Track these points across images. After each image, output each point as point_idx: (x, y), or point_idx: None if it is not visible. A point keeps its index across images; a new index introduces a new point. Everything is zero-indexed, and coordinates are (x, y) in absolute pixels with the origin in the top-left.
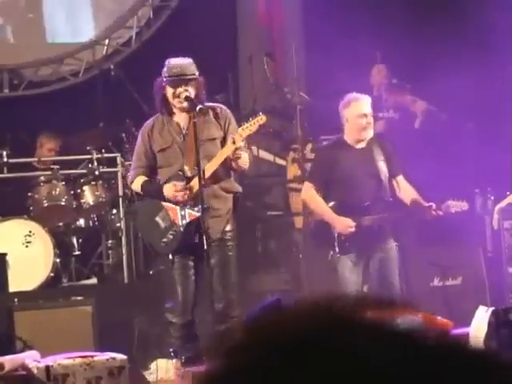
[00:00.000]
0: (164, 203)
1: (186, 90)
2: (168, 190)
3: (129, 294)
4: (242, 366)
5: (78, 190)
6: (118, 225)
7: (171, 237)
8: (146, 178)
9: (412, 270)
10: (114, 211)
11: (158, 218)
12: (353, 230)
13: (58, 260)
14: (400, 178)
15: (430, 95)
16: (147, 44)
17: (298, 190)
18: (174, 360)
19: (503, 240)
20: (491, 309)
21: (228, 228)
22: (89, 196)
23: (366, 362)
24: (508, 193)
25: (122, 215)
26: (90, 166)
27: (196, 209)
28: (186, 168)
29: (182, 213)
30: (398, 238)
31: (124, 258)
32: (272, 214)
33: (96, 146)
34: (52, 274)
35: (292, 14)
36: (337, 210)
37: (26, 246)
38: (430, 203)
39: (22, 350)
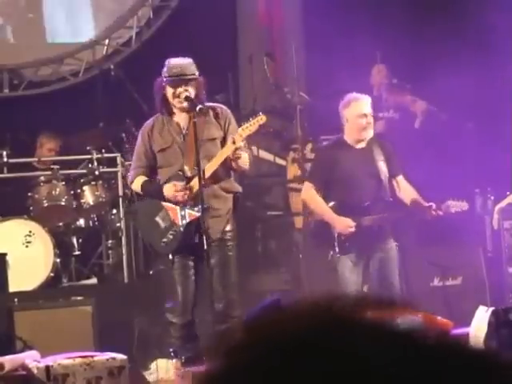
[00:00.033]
0: (164, 203)
1: (186, 90)
2: (168, 189)
3: (129, 293)
4: (241, 366)
5: (78, 190)
6: (118, 225)
7: (171, 237)
8: (146, 178)
9: (412, 270)
10: (114, 211)
11: (158, 218)
12: (353, 230)
13: (58, 260)
14: (400, 177)
15: (430, 95)
16: (147, 44)
17: (298, 190)
18: (174, 360)
19: (503, 240)
20: (491, 309)
21: (228, 228)
22: (89, 196)
23: (366, 362)
24: (508, 193)
25: (121, 215)
26: (89, 166)
27: (196, 209)
28: (185, 168)
29: (182, 213)
30: (397, 237)
31: (124, 257)
32: (272, 214)
33: (96, 145)
34: (52, 274)
35: (292, 13)
36: (337, 210)
37: (26, 246)
38: (430, 203)
39: (22, 350)
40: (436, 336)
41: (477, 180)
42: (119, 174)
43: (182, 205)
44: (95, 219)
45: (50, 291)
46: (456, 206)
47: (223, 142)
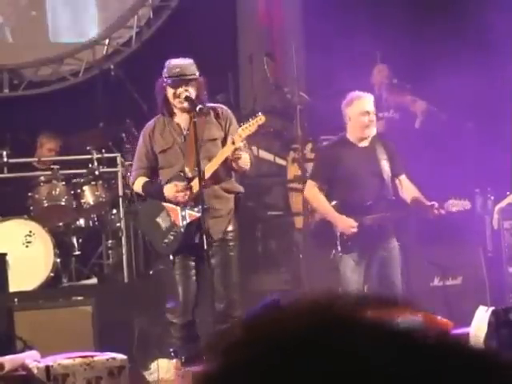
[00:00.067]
0: (165, 204)
1: (187, 90)
2: (169, 190)
3: (129, 293)
4: (241, 364)
5: (78, 190)
6: (118, 225)
7: (172, 237)
8: (147, 179)
9: (412, 270)
10: (114, 211)
11: (159, 219)
12: (355, 230)
13: (58, 260)
14: (403, 177)
15: (430, 95)
16: (147, 44)
17: (298, 190)
18: (174, 360)
19: (503, 240)
20: (491, 309)
21: (230, 228)
22: (89, 196)
23: (366, 361)
24: (508, 193)
25: (122, 215)
26: (90, 165)
27: (196, 209)
28: (186, 169)
29: (183, 213)
30: (398, 237)
31: (124, 257)
32: (272, 214)
33: (96, 146)
34: (52, 274)
35: (292, 13)
36: (339, 208)
37: (26, 246)
38: (433, 202)
39: (22, 350)
40: (436, 335)
41: (477, 180)
42: (119, 174)
43: (183, 205)
44: (95, 219)
45: (50, 291)
46: (458, 204)
47: (224, 142)
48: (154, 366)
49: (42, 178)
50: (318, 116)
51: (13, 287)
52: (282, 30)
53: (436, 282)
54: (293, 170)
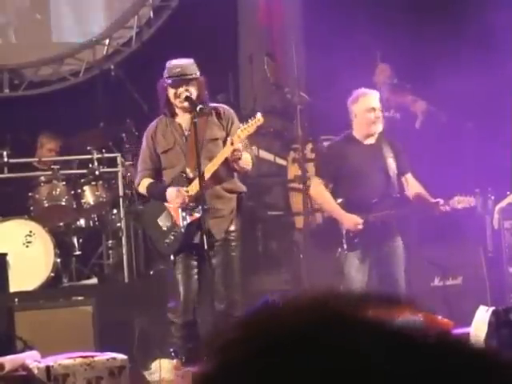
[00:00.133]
0: (167, 204)
1: (187, 90)
2: (169, 194)
3: (129, 293)
4: (239, 361)
5: (79, 190)
6: (119, 225)
7: (172, 238)
8: (152, 180)
9: (412, 270)
10: (115, 211)
11: (160, 219)
12: (361, 226)
13: (58, 260)
14: (409, 175)
15: (430, 95)
16: (147, 44)
17: (299, 190)
18: (175, 360)
19: (504, 240)
20: (492, 309)
21: (232, 228)
22: (89, 196)
23: (367, 358)
24: (508, 192)
25: (122, 215)
26: (90, 166)
27: (196, 210)
28: (187, 169)
29: (183, 214)
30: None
31: (124, 257)
32: (272, 214)
33: (96, 146)
34: (52, 274)
35: (292, 13)
36: (345, 206)
37: (27, 246)
38: (438, 199)
39: (22, 350)
40: (437, 334)
41: (477, 180)
42: (119, 174)
43: (184, 206)
44: (95, 219)
45: (51, 291)
46: (464, 201)
47: (226, 142)
48: (154, 366)
49: (43, 178)
50: (318, 116)
51: (13, 287)
52: (282, 29)
53: (436, 281)
54: (293, 170)
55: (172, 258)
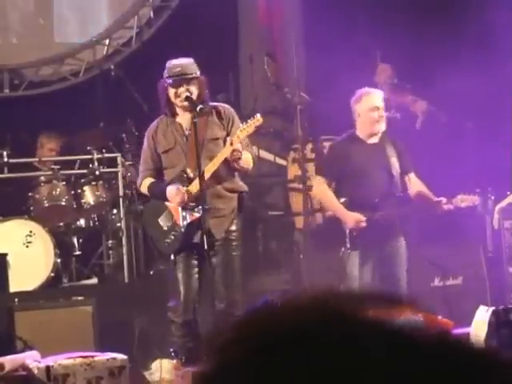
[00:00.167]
0: (168, 204)
1: (188, 90)
2: (169, 191)
3: (129, 293)
4: (238, 360)
5: (79, 190)
6: (119, 225)
7: (173, 237)
8: (153, 180)
9: (412, 270)
10: (115, 211)
11: (161, 219)
12: (364, 224)
13: (58, 260)
14: (412, 174)
15: (430, 95)
16: (147, 44)
17: (299, 190)
18: (175, 360)
19: (504, 240)
20: (492, 309)
21: (233, 228)
22: (89, 196)
23: (367, 358)
24: (508, 192)
25: (122, 215)
26: (90, 166)
27: (196, 210)
28: (188, 169)
29: (184, 214)
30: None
31: (124, 257)
32: (273, 214)
33: (96, 146)
34: (52, 274)
35: (292, 13)
36: (348, 205)
37: (27, 246)
38: (441, 198)
39: (22, 350)
40: (437, 334)
41: (477, 180)
42: (120, 174)
43: (184, 206)
44: (96, 219)
45: (51, 291)
46: (467, 200)
47: (226, 141)
48: (154, 366)
49: (43, 178)
50: (319, 116)
51: (13, 287)
52: (282, 30)
53: (436, 282)
54: (293, 170)
55: (172, 257)
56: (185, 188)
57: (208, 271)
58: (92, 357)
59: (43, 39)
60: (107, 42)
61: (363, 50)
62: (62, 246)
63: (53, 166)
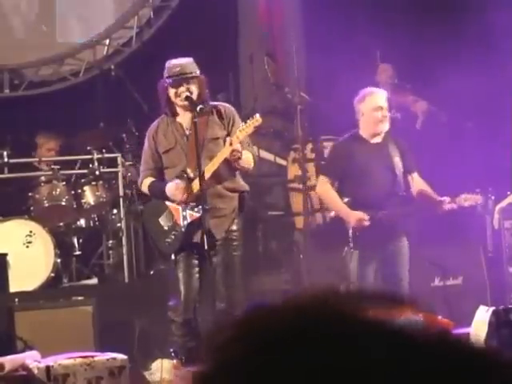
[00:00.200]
0: (168, 203)
1: (188, 89)
2: (169, 188)
3: (129, 293)
4: (239, 357)
5: (79, 190)
6: (119, 225)
7: (173, 237)
8: (154, 180)
9: (413, 270)
10: (115, 211)
11: (161, 219)
12: (367, 223)
13: (58, 260)
14: (415, 174)
15: (430, 95)
16: (148, 44)
17: (299, 190)
18: (175, 360)
19: (504, 240)
20: (492, 309)
21: (234, 227)
22: (89, 196)
23: (366, 357)
24: (508, 192)
25: (122, 215)
26: (90, 166)
27: (197, 209)
28: (188, 169)
29: (184, 213)
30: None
31: (125, 257)
32: (273, 214)
33: (97, 146)
34: (52, 274)
35: (292, 13)
36: (351, 205)
37: (27, 246)
38: (444, 197)
39: (22, 350)
40: (437, 334)
41: (477, 180)
42: (120, 174)
43: (184, 205)
44: (96, 219)
45: (51, 291)
46: (470, 199)
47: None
48: (154, 366)
49: (43, 178)
50: (319, 116)
51: (13, 287)
52: (282, 29)
53: (436, 281)
54: (293, 170)
55: (173, 257)
56: (184, 183)
57: (208, 271)
58: (92, 357)
59: (45, 40)
60: (107, 42)
61: (363, 49)
62: (62, 245)
63: (53, 166)
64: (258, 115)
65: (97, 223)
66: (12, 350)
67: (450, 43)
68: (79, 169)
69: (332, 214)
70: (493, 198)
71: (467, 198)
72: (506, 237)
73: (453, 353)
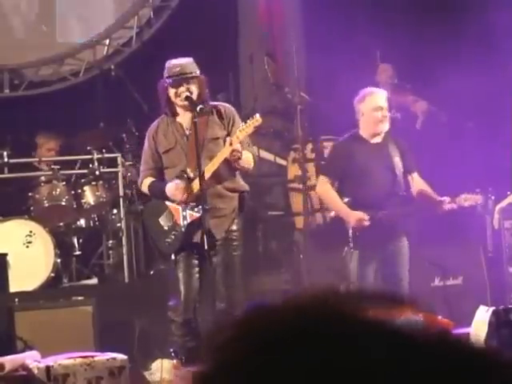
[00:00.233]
0: (168, 204)
1: (188, 89)
2: (169, 188)
3: (129, 293)
4: (240, 356)
5: (79, 190)
6: (119, 225)
7: (173, 237)
8: (153, 180)
9: (413, 270)
10: (115, 211)
11: (162, 219)
12: (367, 223)
13: (58, 260)
14: (415, 174)
15: (430, 95)
16: (148, 44)
17: (299, 190)
18: (175, 360)
19: (504, 240)
20: (492, 309)
21: (234, 227)
22: (89, 196)
23: (367, 357)
24: (508, 192)
25: (122, 215)
26: (90, 166)
27: (196, 209)
28: (188, 169)
29: (184, 213)
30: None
31: (124, 257)
32: (273, 214)
33: (97, 146)
34: (52, 274)
35: (292, 13)
36: (351, 205)
37: (27, 246)
38: (444, 197)
39: (22, 350)
40: (437, 334)
41: (477, 180)
42: (120, 174)
43: (184, 205)
44: (96, 219)
45: (51, 291)
46: (470, 199)
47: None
48: (154, 366)
49: (43, 178)
50: (319, 116)
51: (13, 287)
52: (282, 29)
53: (436, 281)
54: (293, 170)
55: (173, 256)
56: (184, 183)
57: (208, 271)
58: (92, 357)
59: (45, 40)
60: (107, 42)
61: (363, 49)
62: (62, 245)
63: (53, 166)
64: (257, 115)
65: (97, 223)
66: (12, 350)
67: (450, 43)
68: (79, 169)
69: (332, 214)
70: (493, 197)
71: (467, 198)
72: (506, 237)
73: (453, 353)
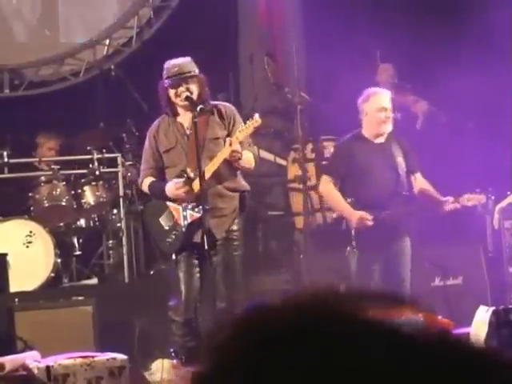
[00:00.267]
0: (169, 203)
1: (188, 89)
2: (169, 188)
3: (129, 293)
4: (239, 354)
5: (79, 190)
6: (119, 225)
7: (174, 237)
8: (154, 179)
9: (413, 270)
10: (115, 211)
11: (162, 219)
12: (370, 222)
13: (58, 260)
14: (418, 174)
15: (430, 95)
16: (148, 44)
17: (299, 190)
18: (175, 360)
19: (504, 240)
20: (492, 309)
21: (234, 227)
22: (89, 196)
23: (366, 357)
24: (508, 192)
25: (122, 215)
26: (90, 166)
27: (197, 209)
28: (188, 169)
29: (184, 213)
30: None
31: (125, 257)
32: (273, 214)
33: (97, 146)
34: (53, 274)
35: (292, 13)
36: (354, 205)
37: (27, 246)
38: (447, 197)
39: (22, 350)
40: (437, 334)
41: (477, 180)
42: (120, 174)
43: (185, 205)
44: (96, 219)
45: (51, 291)
46: (473, 199)
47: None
48: (154, 366)
49: (43, 178)
50: (319, 116)
51: (13, 287)
52: (282, 29)
53: (437, 281)
54: (293, 170)
55: (174, 256)
56: (183, 181)
57: (209, 271)
58: (92, 357)
59: (46, 40)
60: (107, 42)
61: (363, 49)
62: (62, 245)
63: (53, 166)
64: (257, 115)
65: (97, 223)
66: (12, 350)
67: (450, 43)
68: (79, 169)
69: (335, 214)
70: (493, 197)
71: (470, 197)
72: (506, 237)
73: (453, 353)
